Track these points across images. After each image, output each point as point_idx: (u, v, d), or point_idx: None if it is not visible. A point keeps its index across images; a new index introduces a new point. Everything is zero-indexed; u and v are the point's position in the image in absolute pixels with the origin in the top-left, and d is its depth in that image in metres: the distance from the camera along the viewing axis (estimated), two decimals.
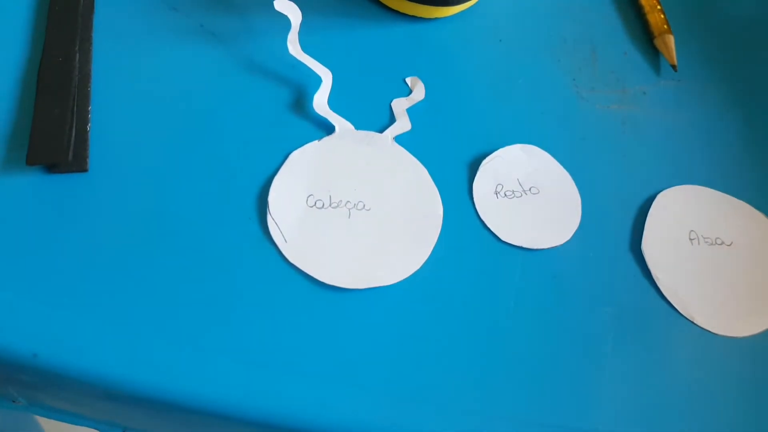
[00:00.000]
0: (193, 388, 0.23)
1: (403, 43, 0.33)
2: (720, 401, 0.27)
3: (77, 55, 0.28)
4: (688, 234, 0.31)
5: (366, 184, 0.29)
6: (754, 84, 0.37)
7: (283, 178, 0.28)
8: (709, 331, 0.29)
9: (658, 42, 0.36)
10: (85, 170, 0.26)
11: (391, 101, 0.31)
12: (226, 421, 0.24)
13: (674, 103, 0.35)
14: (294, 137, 0.29)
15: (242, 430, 0.24)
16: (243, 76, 0.30)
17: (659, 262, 0.30)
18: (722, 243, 0.31)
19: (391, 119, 0.31)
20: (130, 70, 0.29)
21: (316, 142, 0.29)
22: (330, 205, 0.28)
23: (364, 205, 0.28)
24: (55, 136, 0.26)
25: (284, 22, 0.30)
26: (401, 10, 0.34)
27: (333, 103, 0.30)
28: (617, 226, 0.31)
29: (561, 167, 0.31)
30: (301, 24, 0.30)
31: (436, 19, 0.34)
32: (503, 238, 0.29)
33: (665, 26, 0.36)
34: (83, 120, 0.27)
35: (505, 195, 0.30)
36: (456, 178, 0.30)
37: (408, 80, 0.32)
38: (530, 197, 0.30)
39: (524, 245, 0.29)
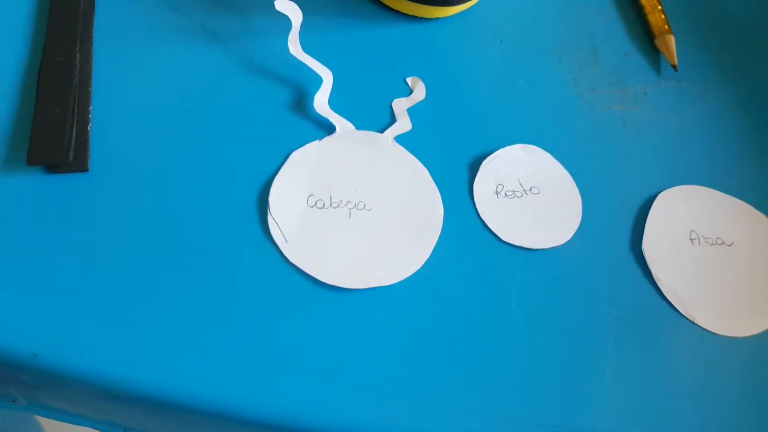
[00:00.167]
0: (193, 388, 0.23)
1: (404, 43, 0.33)
2: (720, 401, 0.27)
3: (78, 55, 0.28)
4: (689, 234, 0.31)
5: (366, 184, 0.29)
6: (755, 84, 0.37)
7: (284, 178, 0.28)
8: (710, 331, 0.29)
9: (658, 42, 0.36)
10: (85, 170, 0.26)
11: (392, 101, 0.31)
12: (227, 421, 0.24)
13: (675, 103, 0.35)
14: (294, 137, 0.29)
15: (243, 430, 0.24)
16: (243, 76, 0.30)
17: (660, 262, 0.30)
18: (723, 243, 0.31)
19: (392, 119, 0.31)
20: (130, 70, 0.29)
21: (317, 142, 0.29)
22: (330, 205, 0.28)
23: (364, 205, 0.28)
24: (55, 136, 0.26)
25: (285, 22, 0.30)
26: (402, 10, 0.34)
27: (334, 103, 0.30)
28: (618, 226, 0.31)
29: (562, 167, 0.31)
30: (301, 24, 0.30)
31: (436, 19, 0.34)
32: (504, 238, 0.29)
33: (666, 26, 0.36)
34: (84, 120, 0.27)
35: (506, 195, 0.30)
36: (456, 178, 0.30)
37: (408, 80, 0.32)
38: (531, 197, 0.30)
39: (525, 245, 0.29)
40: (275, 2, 0.29)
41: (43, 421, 0.52)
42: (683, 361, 0.28)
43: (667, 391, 0.27)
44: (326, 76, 0.30)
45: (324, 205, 0.28)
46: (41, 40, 0.29)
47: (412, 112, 0.31)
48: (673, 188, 0.32)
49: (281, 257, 0.26)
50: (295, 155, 0.29)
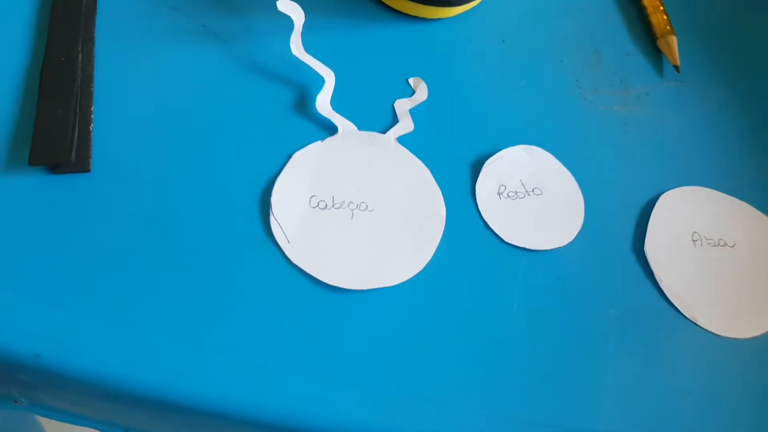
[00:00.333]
0: (195, 388, 0.23)
1: (406, 44, 0.33)
2: (722, 402, 0.27)
3: (80, 55, 0.28)
4: (691, 235, 0.31)
5: (369, 184, 0.29)
6: (757, 85, 0.37)
7: (286, 179, 0.28)
8: (712, 332, 0.29)
9: (660, 43, 0.36)
10: (87, 170, 0.26)
11: (394, 102, 0.31)
12: (228, 421, 0.24)
13: (677, 104, 0.35)
14: (297, 138, 0.29)
15: (244, 430, 0.24)
16: (245, 76, 0.30)
17: (662, 263, 0.30)
18: (725, 244, 0.31)
19: (394, 120, 0.31)
20: (132, 71, 0.29)
21: (319, 142, 0.29)
22: (333, 205, 0.28)
23: (366, 206, 0.28)
24: (57, 136, 0.26)
25: (287, 22, 0.30)
26: (404, 11, 0.34)
27: (336, 103, 0.30)
28: (620, 227, 0.31)
29: (564, 168, 0.31)
30: (303, 24, 0.30)
31: (438, 19, 0.34)
32: (506, 239, 0.29)
33: (668, 27, 0.36)
34: (86, 120, 0.27)
35: (508, 196, 0.30)
36: (459, 179, 0.30)
37: (411, 81, 0.32)
38: (533, 198, 0.30)
39: (527, 246, 0.29)
40: (277, 2, 0.29)
41: (44, 422, 0.52)
42: (685, 362, 0.28)
43: (669, 392, 0.27)
44: (328, 76, 0.30)
45: (326, 205, 0.28)
46: (43, 41, 0.29)
47: (414, 112, 0.31)
48: (675, 189, 0.32)
49: (283, 258, 0.26)
50: (298, 156, 0.29)
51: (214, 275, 0.25)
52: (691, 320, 0.29)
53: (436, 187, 0.29)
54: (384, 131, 0.30)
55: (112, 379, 0.23)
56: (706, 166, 0.33)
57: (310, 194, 0.28)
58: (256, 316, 0.25)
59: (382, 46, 0.33)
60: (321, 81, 0.30)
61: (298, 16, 0.29)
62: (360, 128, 0.30)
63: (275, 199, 0.27)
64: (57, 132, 0.26)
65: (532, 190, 0.30)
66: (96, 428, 0.29)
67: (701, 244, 0.31)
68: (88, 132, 0.27)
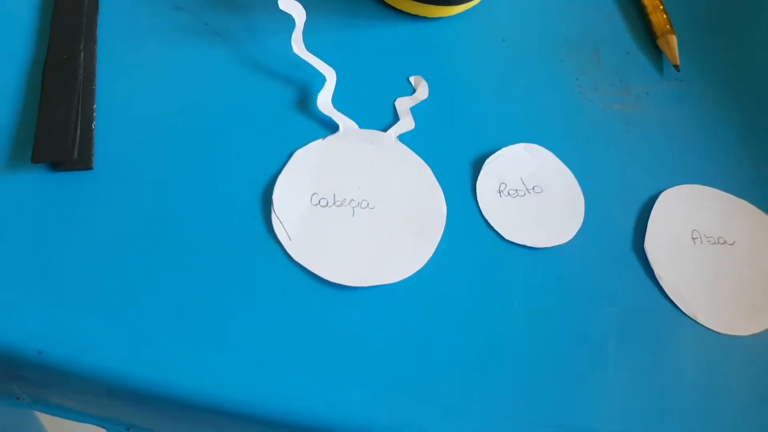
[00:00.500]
0: (197, 385, 0.23)
1: (407, 43, 0.33)
2: (723, 400, 0.27)
3: (82, 53, 0.28)
4: (691, 233, 0.31)
5: (370, 182, 0.29)
6: (757, 83, 0.37)
7: (288, 177, 0.28)
8: (712, 330, 0.29)
9: (661, 42, 0.36)
10: (90, 168, 0.26)
11: (395, 100, 0.31)
12: (230, 417, 0.24)
13: (677, 103, 0.35)
14: (298, 136, 0.29)
15: (246, 426, 0.24)
16: (247, 74, 0.30)
17: (662, 261, 0.30)
18: (725, 242, 0.31)
19: (395, 118, 0.31)
20: (134, 69, 0.29)
21: (320, 140, 0.29)
22: (334, 203, 0.28)
23: (368, 204, 0.28)
24: (60, 134, 0.26)
25: (288, 21, 0.30)
26: (405, 10, 0.34)
27: (337, 102, 0.30)
28: (620, 225, 0.31)
29: (564, 166, 0.31)
30: (305, 23, 0.30)
31: (439, 18, 0.34)
32: (506, 237, 0.29)
33: (668, 26, 0.36)
34: (88, 118, 0.27)
35: (509, 194, 0.30)
36: (459, 177, 0.30)
37: (411, 79, 0.32)
38: (533, 196, 0.30)
39: (527, 244, 0.29)
40: (279, 1, 0.29)
41: (45, 420, 0.52)
42: (685, 360, 0.28)
43: (669, 390, 0.27)
44: (330, 75, 0.30)
45: (327, 203, 0.28)
46: (45, 39, 0.29)
47: (415, 111, 0.31)
48: (675, 187, 0.32)
49: (285, 255, 0.26)
50: (299, 154, 0.29)
51: (216, 272, 0.25)
52: (691, 318, 0.29)
53: (437, 184, 0.29)
54: (385, 129, 0.30)
55: (114, 376, 0.23)
56: (706, 164, 0.33)
57: (312, 192, 0.28)
58: (258, 313, 0.25)
59: (383, 45, 0.33)
60: (322, 79, 0.30)
61: (299, 14, 0.30)
62: (361, 126, 0.30)
63: (277, 196, 0.27)
64: (59, 130, 0.26)
65: (533, 188, 0.30)
66: (98, 425, 0.29)
67: (701, 242, 0.31)
68: (91, 130, 0.27)
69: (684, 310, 0.29)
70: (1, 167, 0.26)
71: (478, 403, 0.25)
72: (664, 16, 0.37)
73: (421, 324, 0.26)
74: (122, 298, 0.24)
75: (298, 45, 0.30)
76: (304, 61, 0.30)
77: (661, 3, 0.37)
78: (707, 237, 0.31)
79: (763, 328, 0.29)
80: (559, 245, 0.29)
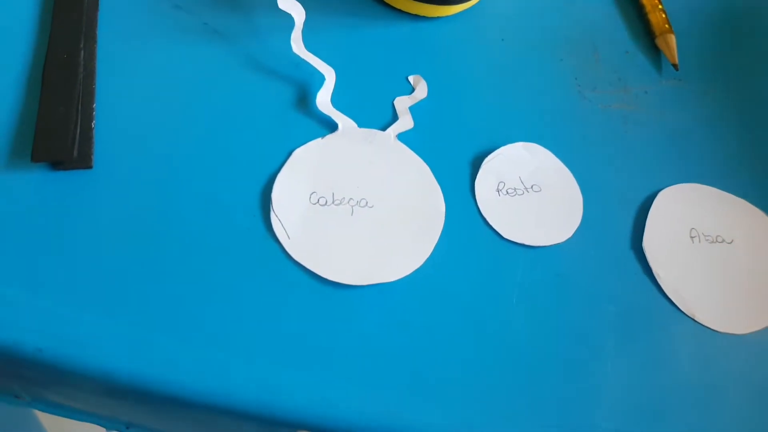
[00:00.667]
0: (196, 383, 0.23)
1: (406, 42, 0.33)
2: (721, 398, 0.27)
3: (82, 53, 0.28)
4: (689, 232, 0.31)
5: (369, 181, 0.29)
6: (755, 83, 0.37)
7: (287, 176, 0.28)
8: (710, 329, 0.29)
9: (659, 41, 0.36)
10: (89, 167, 0.26)
11: (394, 99, 0.31)
12: (229, 415, 0.24)
13: (675, 102, 0.35)
14: (297, 135, 0.29)
15: (245, 423, 0.24)
16: (246, 73, 0.30)
17: (660, 259, 0.30)
18: (723, 241, 0.31)
19: (394, 117, 0.31)
20: (134, 68, 0.29)
21: (320, 139, 0.29)
22: (333, 202, 0.28)
23: (366, 203, 0.28)
24: (60, 133, 0.26)
25: (288, 20, 0.30)
26: (404, 9, 0.34)
27: (336, 101, 0.30)
28: (618, 224, 0.31)
29: (563, 165, 0.31)
30: (304, 22, 0.30)
31: (438, 18, 0.34)
32: (505, 236, 0.29)
33: (667, 26, 0.36)
34: (88, 117, 0.27)
35: (507, 193, 0.30)
36: (458, 176, 0.30)
37: (410, 78, 0.32)
38: (532, 195, 0.30)
39: (526, 243, 0.29)
40: (278, 1, 0.29)
41: (45, 420, 0.52)
42: (683, 358, 0.28)
43: (668, 388, 0.27)
44: (329, 74, 0.30)
45: (326, 202, 0.28)
46: (45, 39, 0.29)
47: (414, 110, 0.31)
48: (673, 186, 0.32)
49: (284, 254, 0.26)
50: (298, 153, 0.29)
51: (215, 270, 0.25)
52: (689, 316, 0.29)
53: (436, 183, 0.29)
54: (384, 128, 0.30)
55: (113, 373, 0.23)
56: (704, 163, 0.33)
57: (311, 191, 0.28)
58: (257, 311, 0.25)
59: (382, 44, 0.33)
60: (321, 78, 0.30)
61: (298, 14, 0.30)
62: (360, 125, 0.30)
63: (276, 195, 0.27)
64: (59, 129, 0.26)
65: (531, 187, 0.30)
66: (97, 424, 0.29)
67: (699, 241, 0.31)
68: (90, 129, 0.27)
69: (682, 309, 0.29)
70: (1, 166, 0.26)
71: (477, 401, 0.25)
72: (663, 15, 0.37)
73: (419, 322, 0.26)
74: (121, 295, 0.24)
75: (297, 44, 0.30)
76: (304, 60, 0.30)
77: (660, 2, 0.37)
78: (705, 236, 0.31)
79: (761, 327, 0.29)
80: (558, 244, 0.29)
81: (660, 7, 0.37)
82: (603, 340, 0.28)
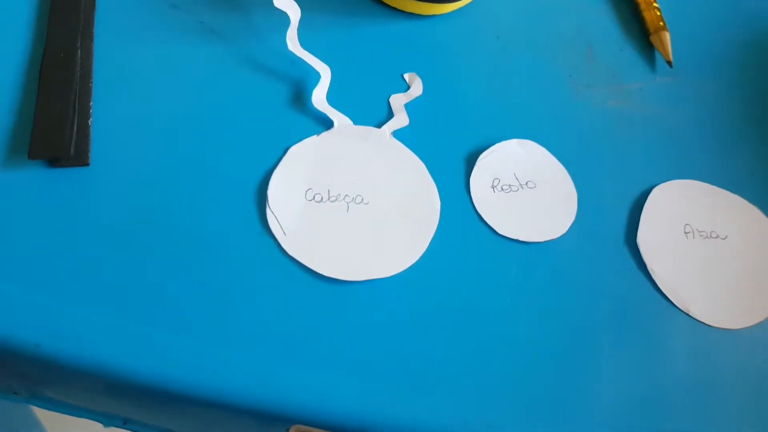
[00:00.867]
0: (192, 378, 0.23)
1: (401, 40, 0.33)
2: (716, 392, 0.28)
3: (79, 51, 0.29)
4: (683, 227, 0.31)
5: (364, 178, 0.29)
6: (749, 80, 0.37)
7: (282, 172, 0.28)
8: (705, 323, 0.29)
9: (654, 39, 0.37)
10: (86, 164, 0.27)
11: (389, 97, 0.31)
12: (226, 410, 0.24)
13: (669, 99, 0.35)
14: (293, 132, 0.29)
15: (241, 419, 0.24)
16: (243, 71, 0.31)
17: (654, 255, 0.30)
18: (717, 236, 0.31)
19: (389, 115, 0.31)
20: (131, 66, 0.29)
21: (315, 136, 0.30)
22: (329, 198, 0.28)
23: (362, 199, 0.28)
24: (57, 131, 0.26)
25: (283, 18, 0.30)
26: (399, 7, 0.34)
27: (332, 98, 0.30)
28: (613, 219, 0.31)
29: (557, 162, 0.32)
30: (300, 20, 0.30)
31: (433, 16, 0.35)
32: (500, 232, 0.29)
33: (661, 23, 0.37)
34: (85, 115, 0.27)
35: (502, 189, 0.30)
36: (453, 173, 0.30)
37: (406, 76, 0.32)
38: (527, 191, 0.30)
39: (521, 239, 0.29)
40: None
41: (43, 417, 0.52)
42: (678, 353, 0.28)
43: (662, 383, 0.27)
44: (324, 72, 0.30)
45: (322, 198, 0.28)
46: (43, 37, 0.29)
47: (409, 107, 0.31)
48: (667, 182, 0.32)
49: (280, 250, 0.27)
50: (294, 150, 0.29)
51: (212, 266, 0.26)
52: (683, 311, 0.29)
53: (431, 180, 0.30)
54: (379, 126, 0.30)
55: (111, 368, 0.23)
56: (698, 159, 0.34)
57: (306, 187, 0.28)
58: (253, 307, 0.25)
59: (378, 42, 0.33)
60: (317, 76, 0.30)
61: (294, 12, 0.30)
62: (356, 123, 0.30)
63: (272, 192, 0.28)
64: (56, 126, 0.26)
65: (526, 184, 0.31)
66: (95, 420, 0.29)
67: (693, 237, 0.31)
68: (87, 126, 0.27)
69: (676, 304, 0.29)
70: None
71: (471, 396, 0.25)
72: (657, 12, 0.37)
73: (414, 318, 0.26)
74: (118, 291, 0.24)
75: (293, 42, 0.30)
76: (299, 58, 0.30)
77: (654, 0, 0.38)
78: (699, 231, 0.31)
79: (754, 322, 0.30)
80: (552, 240, 0.29)
81: (654, 4, 0.37)
82: (598, 335, 0.28)
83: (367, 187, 0.29)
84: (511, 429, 0.25)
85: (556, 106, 0.33)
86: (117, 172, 0.27)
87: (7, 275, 0.24)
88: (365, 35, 0.33)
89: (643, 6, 0.37)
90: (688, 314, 0.29)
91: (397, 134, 0.30)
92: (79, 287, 0.24)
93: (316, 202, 0.28)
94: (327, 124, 0.30)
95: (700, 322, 0.29)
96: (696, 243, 0.31)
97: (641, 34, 0.37)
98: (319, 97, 0.30)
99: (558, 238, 0.30)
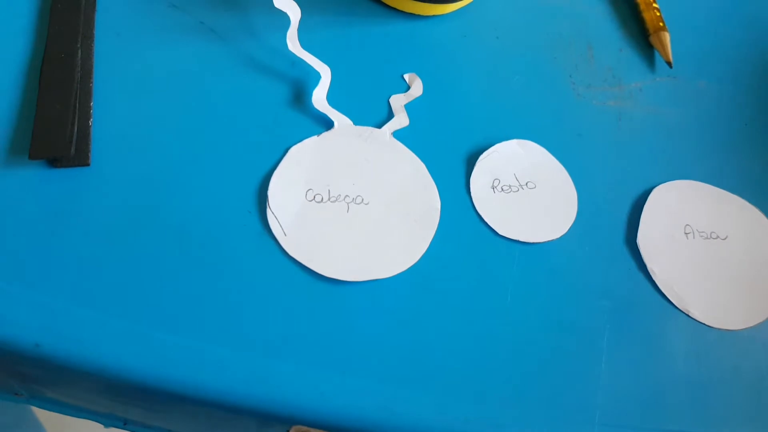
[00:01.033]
0: (192, 378, 0.23)
1: (401, 40, 0.33)
2: (715, 393, 0.28)
3: (79, 51, 0.29)
4: (683, 228, 0.31)
5: (364, 178, 0.29)
6: (748, 80, 0.37)
7: (283, 173, 0.28)
8: (705, 324, 0.29)
9: (653, 39, 0.37)
10: (87, 164, 0.27)
11: (390, 97, 0.32)
12: (226, 410, 0.24)
13: (669, 100, 0.35)
14: (293, 132, 0.29)
15: (241, 419, 0.25)
16: (243, 72, 0.31)
17: (654, 255, 0.30)
18: (717, 237, 0.31)
19: (390, 115, 0.31)
20: (131, 67, 0.29)
21: (315, 137, 0.30)
22: (329, 199, 0.28)
23: (362, 200, 0.28)
24: (57, 131, 0.26)
25: (284, 18, 0.30)
26: (399, 8, 0.34)
27: (332, 98, 0.30)
28: (613, 220, 0.31)
29: (557, 162, 0.32)
30: (300, 21, 0.30)
31: (433, 16, 0.35)
32: (500, 232, 0.29)
33: (660, 23, 0.37)
34: (85, 115, 0.27)
35: (502, 189, 0.30)
36: (453, 173, 0.30)
37: (406, 76, 0.32)
38: (527, 192, 0.30)
39: (521, 239, 0.29)
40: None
41: (43, 417, 0.52)
42: (678, 353, 0.28)
43: (662, 383, 0.27)
44: (324, 72, 0.30)
45: (322, 199, 0.28)
46: (43, 37, 0.29)
47: (409, 107, 0.31)
48: (667, 183, 0.32)
49: (280, 250, 0.27)
50: (294, 150, 0.29)
51: (212, 267, 0.26)
52: (684, 312, 0.29)
53: (431, 180, 0.30)
54: (379, 126, 0.31)
55: (111, 369, 0.23)
56: (698, 160, 0.34)
57: (307, 188, 0.28)
58: (253, 307, 0.25)
59: (378, 43, 0.33)
60: (317, 76, 0.30)
61: (294, 12, 0.30)
62: (356, 123, 0.30)
63: (272, 192, 0.28)
64: (57, 127, 0.26)
65: (526, 184, 0.31)
66: (95, 420, 0.29)
67: (693, 237, 0.31)
68: (88, 127, 0.27)
69: (676, 304, 0.29)
70: None
71: (471, 396, 0.25)
72: (657, 13, 0.37)
73: (414, 318, 0.26)
74: (118, 291, 0.24)
75: (293, 42, 0.30)
76: (300, 58, 0.30)
77: (654, 0, 0.38)
78: (699, 232, 0.31)
79: (755, 322, 0.30)
80: (552, 240, 0.29)
81: (654, 5, 0.37)
82: (598, 336, 0.28)
83: (367, 187, 0.29)
84: (511, 429, 0.25)
85: (555, 106, 0.33)
86: (117, 173, 0.27)
87: (7, 275, 0.24)
88: (365, 36, 0.33)
89: (642, 6, 0.37)
90: (688, 314, 0.29)
91: (398, 134, 0.30)
92: (79, 287, 0.24)
93: (316, 202, 0.28)
94: (327, 124, 0.30)
95: (699, 322, 0.29)
96: (696, 243, 0.31)
97: (641, 35, 0.37)
98: (319, 98, 0.30)
99: (558, 239, 0.30)
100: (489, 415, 0.25)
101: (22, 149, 0.26)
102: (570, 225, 0.30)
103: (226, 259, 0.26)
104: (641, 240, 0.30)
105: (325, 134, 0.30)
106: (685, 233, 0.31)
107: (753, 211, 0.32)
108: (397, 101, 0.31)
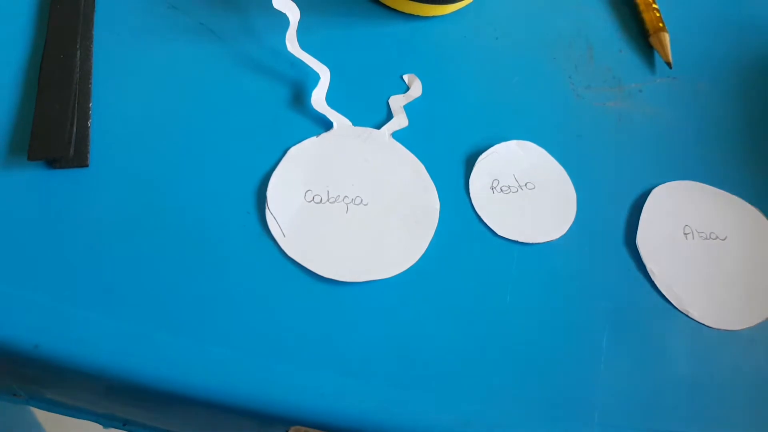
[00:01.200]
0: (192, 379, 0.23)
1: (401, 41, 0.33)
2: (715, 394, 0.28)
3: (78, 52, 0.29)
4: (683, 229, 0.31)
5: (363, 179, 0.29)
6: (748, 81, 0.37)
7: (282, 174, 0.28)
8: (704, 325, 0.29)
9: (653, 40, 0.37)
10: (85, 165, 0.27)
11: (389, 98, 0.32)
12: (225, 411, 0.24)
13: (669, 100, 0.35)
14: (292, 133, 0.29)
15: (241, 420, 0.25)
16: (242, 73, 0.31)
17: (654, 256, 0.30)
18: (716, 237, 0.31)
19: (389, 116, 0.31)
20: (130, 68, 0.29)
21: (315, 138, 0.30)
22: (328, 200, 0.28)
23: (361, 200, 0.28)
24: (56, 131, 0.26)
25: (283, 19, 0.30)
26: (398, 8, 0.34)
27: (331, 99, 0.30)
28: (612, 221, 0.31)
29: (557, 163, 0.32)
30: (299, 22, 0.30)
31: (433, 17, 0.35)
32: (499, 233, 0.29)
33: (660, 24, 0.37)
34: (84, 116, 0.27)
35: (501, 190, 0.30)
36: (452, 174, 0.30)
37: (405, 77, 0.32)
38: (526, 192, 0.30)
39: (520, 240, 0.29)
40: (273, 0, 0.30)
41: (42, 419, 0.52)
42: (678, 354, 0.28)
43: (662, 384, 0.27)
44: (324, 73, 0.30)
45: (321, 200, 0.28)
46: (42, 38, 0.29)
47: (408, 108, 0.31)
48: (667, 183, 0.32)
49: (279, 251, 0.27)
50: (293, 151, 0.29)
51: (211, 268, 0.26)
52: (683, 312, 0.29)
53: (430, 181, 0.30)
54: (379, 127, 0.31)
55: (110, 370, 0.23)
56: (697, 160, 0.34)
57: (306, 188, 0.28)
58: (252, 309, 0.25)
59: (377, 43, 0.33)
60: (316, 77, 0.30)
61: (293, 13, 0.30)
62: (355, 124, 0.30)
63: (271, 193, 0.28)
64: (55, 127, 0.26)
65: (525, 185, 0.31)
66: (94, 421, 0.29)
67: (693, 238, 0.31)
68: (86, 128, 0.27)
69: (676, 305, 0.29)
70: None
71: (471, 397, 0.25)
72: (657, 14, 0.37)
73: (413, 318, 0.26)
74: (117, 292, 0.24)
75: (292, 43, 0.30)
76: (299, 59, 0.30)
77: (654, 1, 0.38)
78: (699, 232, 0.31)
79: (754, 323, 0.30)
80: (552, 241, 0.29)
81: (654, 5, 0.37)
82: (597, 337, 0.28)
83: (366, 188, 0.29)
84: (511, 429, 0.25)
85: (555, 107, 0.33)
86: (116, 173, 0.27)
87: (7, 275, 0.24)
88: (364, 36, 0.33)
89: (642, 7, 0.37)
90: (687, 315, 0.29)
91: (397, 135, 0.30)
92: (79, 288, 0.24)
93: (315, 203, 0.28)
94: (326, 125, 0.30)
95: (699, 323, 0.29)
96: (695, 244, 0.31)
97: (641, 35, 0.37)
98: (318, 98, 0.30)
99: (557, 239, 0.30)
100: (489, 415, 0.25)
101: (20, 150, 0.26)
102: (569, 225, 0.30)
103: (225, 260, 0.26)
104: (640, 240, 0.30)
105: (325, 135, 0.30)
106: (685, 234, 0.31)
107: (752, 212, 0.32)
108: (397, 102, 0.31)
